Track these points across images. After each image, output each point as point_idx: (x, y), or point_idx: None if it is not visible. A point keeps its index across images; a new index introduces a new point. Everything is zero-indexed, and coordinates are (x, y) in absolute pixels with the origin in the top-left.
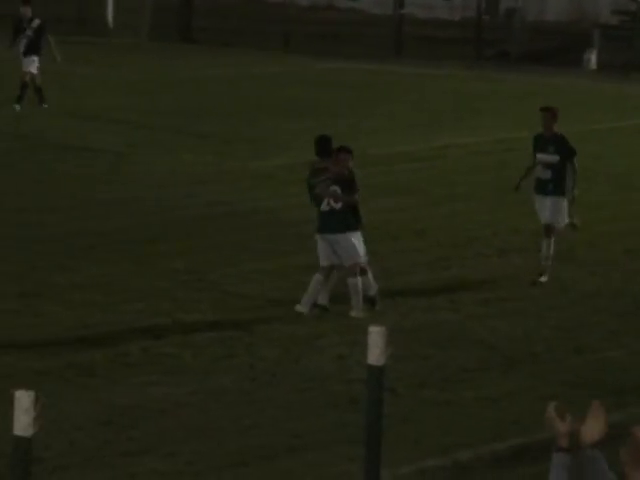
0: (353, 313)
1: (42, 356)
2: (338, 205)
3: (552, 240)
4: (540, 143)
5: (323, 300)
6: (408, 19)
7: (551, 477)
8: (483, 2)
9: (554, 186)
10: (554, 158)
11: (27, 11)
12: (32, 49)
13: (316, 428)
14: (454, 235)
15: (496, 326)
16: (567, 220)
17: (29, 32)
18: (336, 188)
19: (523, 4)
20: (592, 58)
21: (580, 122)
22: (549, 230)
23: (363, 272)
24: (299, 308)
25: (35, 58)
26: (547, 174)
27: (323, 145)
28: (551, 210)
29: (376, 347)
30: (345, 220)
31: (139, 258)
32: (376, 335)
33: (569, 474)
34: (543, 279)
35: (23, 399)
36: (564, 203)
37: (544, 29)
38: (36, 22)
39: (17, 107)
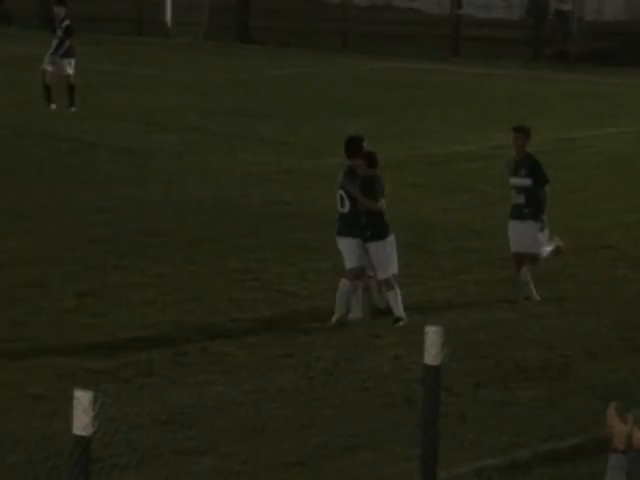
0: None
1: (100, 356)
2: (345, 209)
3: (525, 268)
4: (512, 167)
5: (380, 304)
6: (466, 19)
7: (607, 478)
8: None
9: (528, 210)
10: (526, 182)
11: (59, 11)
12: (66, 51)
13: (373, 428)
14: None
15: (553, 325)
16: (551, 246)
17: (59, 32)
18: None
19: (579, 4)
20: None
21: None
22: (520, 260)
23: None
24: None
25: (71, 60)
26: (520, 198)
27: (352, 146)
28: (526, 237)
29: (433, 347)
30: (349, 225)
31: (195, 258)
32: (433, 335)
33: (627, 475)
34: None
35: (82, 399)
36: (539, 227)
37: (603, 29)
38: (66, 23)
39: (73, 109)
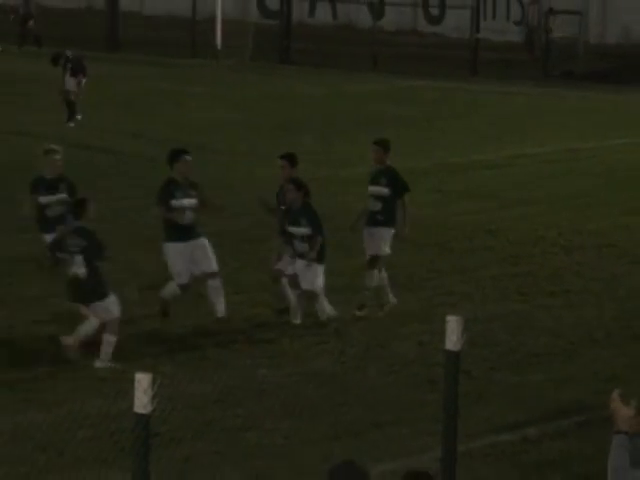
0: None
1: (159, 342)
2: None
3: (375, 271)
4: (372, 176)
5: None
6: (483, 42)
7: (612, 457)
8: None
9: (383, 218)
10: (384, 190)
11: None
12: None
13: (399, 406)
14: (523, 235)
15: (561, 315)
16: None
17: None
18: None
19: (584, 29)
20: None
21: (631, 132)
22: (373, 261)
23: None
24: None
25: (80, 79)
26: (377, 206)
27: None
28: (378, 241)
29: (453, 334)
30: None
31: (242, 255)
32: (453, 323)
33: (629, 455)
34: (360, 314)
35: (142, 380)
36: (391, 233)
37: (607, 50)
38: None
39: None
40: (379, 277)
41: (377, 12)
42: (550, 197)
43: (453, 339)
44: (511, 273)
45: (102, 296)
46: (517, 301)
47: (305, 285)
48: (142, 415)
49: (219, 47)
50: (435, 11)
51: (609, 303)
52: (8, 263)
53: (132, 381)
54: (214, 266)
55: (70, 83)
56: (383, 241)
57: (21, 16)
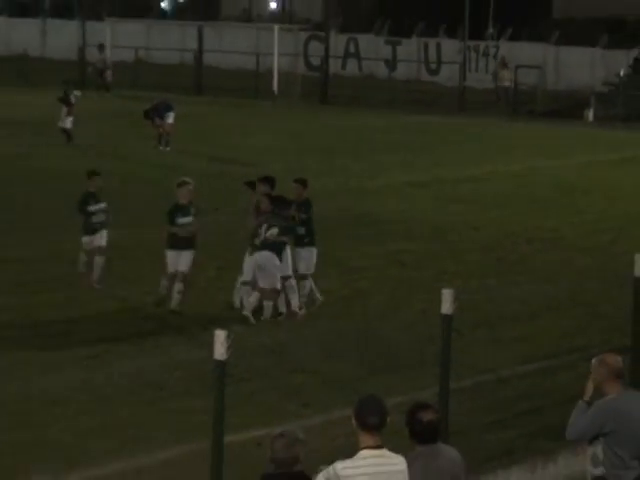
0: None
1: (230, 308)
2: None
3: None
4: (296, 207)
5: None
6: (468, 89)
7: (572, 415)
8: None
9: (308, 239)
10: (304, 217)
11: None
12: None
13: (408, 355)
14: (498, 230)
15: (526, 289)
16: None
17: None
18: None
19: (543, 78)
20: (590, 114)
21: (583, 154)
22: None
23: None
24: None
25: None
26: (302, 230)
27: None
28: (307, 260)
29: (447, 302)
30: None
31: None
32: (447, 294)
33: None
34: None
35: (220, 335)
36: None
37: (559, 94)
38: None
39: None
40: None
41: (391, 66)
42: (518, 202)
43: (447, 306)
44: (489, 258)
45: None
46: (494, 278)
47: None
48: (219, 361)
49: (275, 92)
50: (433, 66)
51: (561, 280)
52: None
53: (212, 336)
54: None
55: (160, 122)
56: (311, 261)
57: (99, 69)
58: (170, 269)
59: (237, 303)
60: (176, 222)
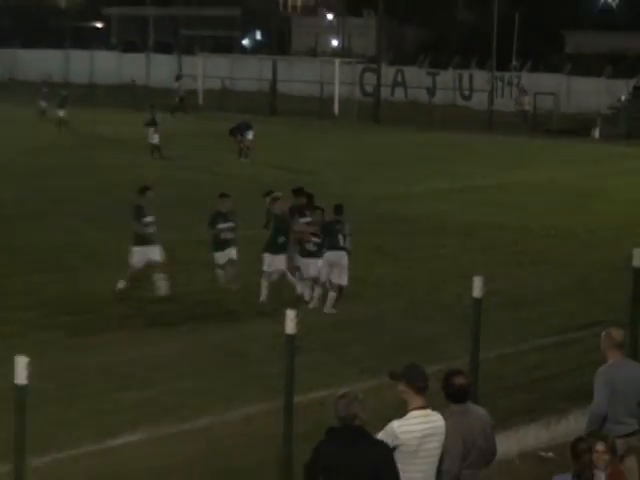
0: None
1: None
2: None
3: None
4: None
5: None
6: (495, 112)
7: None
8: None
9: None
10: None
11: None
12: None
13: (444, 331)
14: (521, 228)
15: (545, 277)
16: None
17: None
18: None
19: (557, 103)
20: (596, 132)
21: (591, 166)
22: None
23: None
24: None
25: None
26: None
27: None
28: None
29: (477, 287)
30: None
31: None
32: (477, 281)
33: None
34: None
35: (290, 314)
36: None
37: (570, 116)
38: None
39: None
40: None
41: (431, 93)
42: (537, 205)
43: (477, 291)
44: (512, 251)
45: None
46: (516, 268)
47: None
48: (290, 335)
49: (336, 114)
50: (466, 93)
51: (571, 270)
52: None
53: (284, 315)
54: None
55: (241, 139)
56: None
57: (179, 96)
58: (221, 262)
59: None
60: (217, 227)
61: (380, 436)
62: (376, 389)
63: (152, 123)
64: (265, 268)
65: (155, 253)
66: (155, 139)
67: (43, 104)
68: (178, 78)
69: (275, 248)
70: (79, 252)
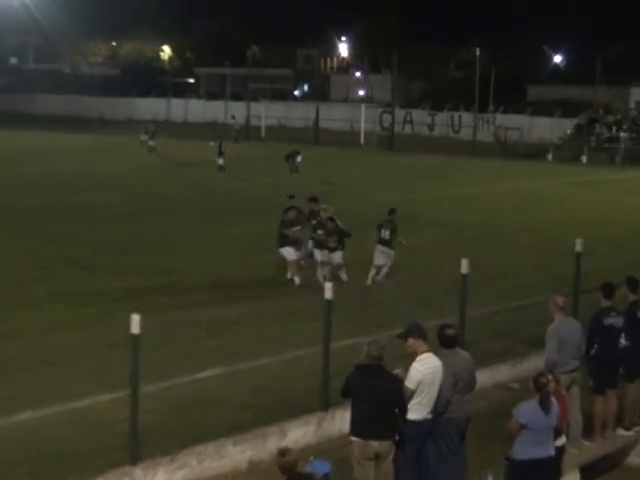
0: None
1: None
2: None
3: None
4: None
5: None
6: (477, 142)
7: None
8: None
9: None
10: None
11: None
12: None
13: (439, 298)
14: (496, 225)
15: (514, 259)
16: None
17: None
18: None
19: (522, 134)
20: (550, 156)
21: (546, 180)
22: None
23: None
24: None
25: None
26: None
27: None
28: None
29: (464, 266)
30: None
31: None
32: (465, 262)
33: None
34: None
35: (328, 285)
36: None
37: (532, 145)
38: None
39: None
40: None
41: (431, 128)
42: (507, 208)
43: (464, 268)
44: (490, 242)
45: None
46: (492, 253)
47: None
48: (328, 300)
49: (362, 143)
50: (457, 128)
51: (533, 254)
52: None
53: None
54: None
55: (293, 162)
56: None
57: (235, 130)
58: (293, 257)
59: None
60: (286, 231)
61: (409, 377)
62: (388, 341)
63: (219, 150)
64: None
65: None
66: (220, 161)
67: (143, 137)
68: (233, 117)
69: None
70: (171, 242)
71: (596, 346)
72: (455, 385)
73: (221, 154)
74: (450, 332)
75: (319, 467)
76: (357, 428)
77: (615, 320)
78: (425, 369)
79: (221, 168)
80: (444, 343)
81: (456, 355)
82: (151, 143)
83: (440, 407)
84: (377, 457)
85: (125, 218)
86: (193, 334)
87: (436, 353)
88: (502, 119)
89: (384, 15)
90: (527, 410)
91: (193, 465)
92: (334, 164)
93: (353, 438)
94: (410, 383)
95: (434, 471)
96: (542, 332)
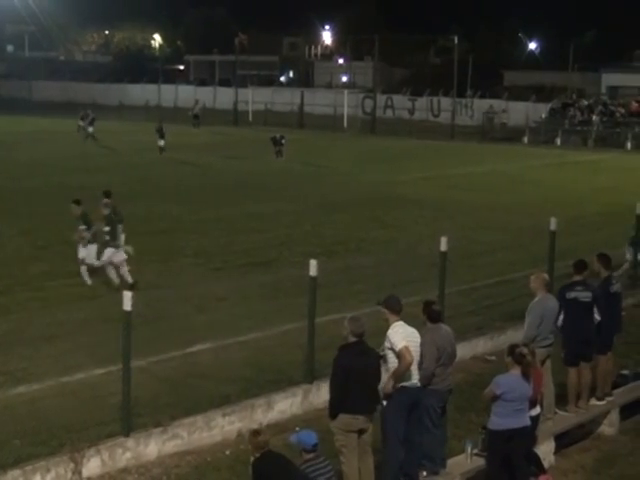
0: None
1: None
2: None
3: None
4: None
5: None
6: (457, 126)
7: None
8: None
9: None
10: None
11: None
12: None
13: (420, 275)
14: (476, 203)
15: (492, 237)
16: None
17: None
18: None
19: (499, 119)
20: (525, 139)
21: (522, 161)
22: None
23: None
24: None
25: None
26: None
27: None
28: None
29: (443, 244)
30: None
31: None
32: (443, 240)
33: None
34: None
35: (313, 263)
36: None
37: (508, 128)
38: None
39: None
40: None
41: (411, 112)
42: (485, 188)
43: (443, 246)
44: (469, 219)
45: None
46: (470, 230)
47: None
48: (313, 277)
49: (345, 127)
50: (436, 112)
51: (509, 232)
52: None
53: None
54: None
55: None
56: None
57: (193, 114)
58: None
59: None
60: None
61: (393, 340)
62: (371, 314)
63: (160, 132)
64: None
65: None
66: (161, 143)
67: (81, 123)
68: (196, 102)
69: None
70: (161, 222)
71: (561, 317)
72: (439, 359)
73: (162, 136)
74: (437, 307)
75: (306, 437)
76: (347, 405)
77: (580, 294)
78: (402, 332)
79: (161, 149)
80: (431, 318)
81: (440, 329)
82: (89, 129)
83: (425, 379)
84: (361, 431)
85: (117, 199)
86: (183, 310)
87: (418, 328)
88: (479, 105)
89: (366, 4)
90: (504, 381)
91: (184, 436)
92: (318, 147)
93: (341, 415)
94: (399, 344)
95: (417, 442)
96: (518, 307)
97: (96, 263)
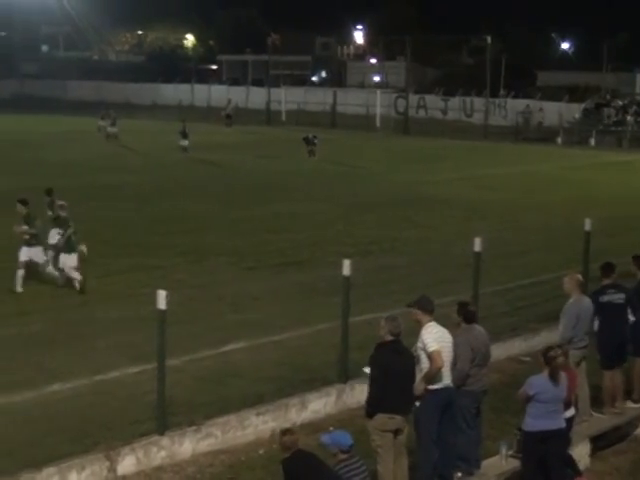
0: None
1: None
2: None
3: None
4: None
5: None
6: (490, 126)
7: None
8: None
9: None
10: None
11: None
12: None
13: (454, 275)
14: (508, 203)
15: (523, 237)
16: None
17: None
18: None
19: (533, 119)
20: (559, 140)
21: (556, 162)
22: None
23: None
24: None
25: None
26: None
27: None
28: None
29: (477, 244)
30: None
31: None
32: (477, 240)
33: None
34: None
35: (346, 262)
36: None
37: (542, 128)
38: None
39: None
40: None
41: (444, 113)
42: (518, 188)
43: (477, 246)
44: (503, 220)
45: None
46: (506, 232)
47: None
48: (346, 277)
49: (378, 127)
50: (469, 112)
51: (542, 233)
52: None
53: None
54: None
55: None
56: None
57: (225, 114)
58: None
59: None
60: None
61: (427, 342)
62: (406, 314)
63: (183, 133)
64: None
65: None
66: (184, 143)
67: (102, 123)
68: (229, 102)
69: None
70: (193, 221)
71: (597, 322)
72: (473, 359)
73: (185, 136)
74: (472, 308)
75: (342, 438)
76: (384, 405)
77: (613, 297)
78: (436, 332)
79: (184, 149)
80: (467, 318)
81: (474, 330)
82: (110, 130)
83: (459, 380)
84: (397, 431)
85: (149, 199)
86: (217, 310)
87: (450, 328)
88: (512, 105)
89: (398, 4)
90: (537, 382)
91: (217, 435)
92: (351, 148)
93: (379, 414)
94: (432, 346)
95: (452, 443)
96: (552, 308)
97: (52, 269)
